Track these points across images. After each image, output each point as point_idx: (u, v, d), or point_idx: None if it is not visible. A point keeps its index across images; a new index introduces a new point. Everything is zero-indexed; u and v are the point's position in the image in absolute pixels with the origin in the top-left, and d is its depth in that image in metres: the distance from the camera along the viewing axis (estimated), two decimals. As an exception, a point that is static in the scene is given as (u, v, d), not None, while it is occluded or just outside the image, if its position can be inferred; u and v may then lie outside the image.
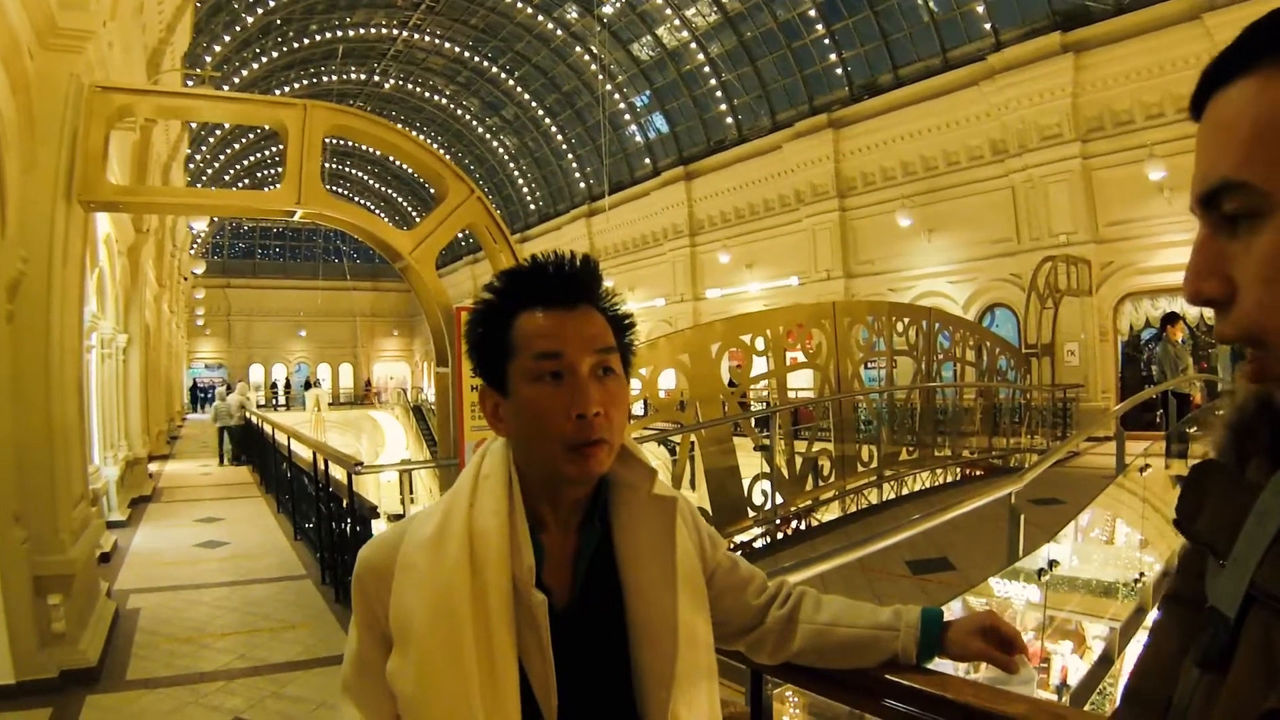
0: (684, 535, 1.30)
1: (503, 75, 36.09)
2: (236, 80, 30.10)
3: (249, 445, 18.85)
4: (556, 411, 1.17)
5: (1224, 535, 0.73)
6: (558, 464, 1.18)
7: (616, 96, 32.04)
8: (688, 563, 1.28)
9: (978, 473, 12.08)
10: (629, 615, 1.24)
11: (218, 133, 34.21)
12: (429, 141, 25.24)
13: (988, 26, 19.86)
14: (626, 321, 1.29)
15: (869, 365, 11.68)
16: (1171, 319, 11.98)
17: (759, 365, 9.22)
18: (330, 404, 40.08)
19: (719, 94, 28.05)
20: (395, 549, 1.20)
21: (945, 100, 20.55)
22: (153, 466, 16.13)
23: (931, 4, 20.91)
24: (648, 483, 1.28)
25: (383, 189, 51.78)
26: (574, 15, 30.68)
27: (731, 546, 7.81)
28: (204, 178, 36.18)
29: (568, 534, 1.26)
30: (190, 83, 17.61)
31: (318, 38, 33.45)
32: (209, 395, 38.43)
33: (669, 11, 27.62)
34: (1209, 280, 0.69)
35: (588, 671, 1.20)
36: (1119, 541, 9.40)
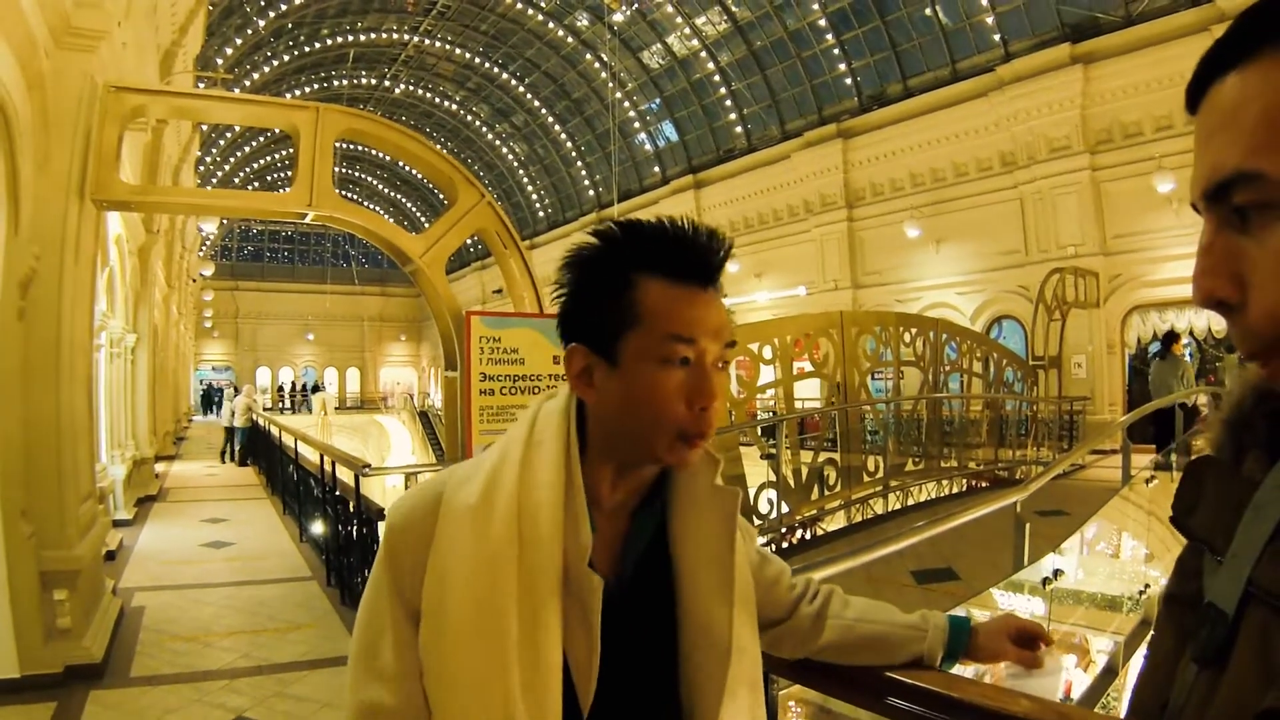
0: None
1: (513, 82, 36.16)
2: (248, 83, 30.21)
3: (256, 447, 18.92)
4: (678, 399, 1.11)
5: (1221, 531, 0.72)
6: (659, 448, 1.12)
7: (626, 104, 32.09)
8: (740, 558, 1.23)
9: (983, 484, 12.06)
10: (682, 605, 1.18)
11: (228, 135, 34.35)
12: (439, 147, 25.36)
13: (997, 38, 19.87)
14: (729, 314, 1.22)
15: (876, 375, 11.67)
16: (1173, 338, 12.08)
17: (766, 374, 9.21)
18: (336, 408, 40.10)
19: (728, 103, 28.07)
20: (432, 512, 1.12)
21: (954, 111, 20.57)
22: (159, 467, 16.18)
23: (941, 15, 20.92)
24: (711, 471, 1.23)
25: (391, 194, 51.90)
26: (584, 22, 30.75)
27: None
28: (214, 180, 36.27)
29: (621, 515, 1.20)
30: (202, 85, 17.69)
31: (329, 42, 33.53)
32: (220, 399, 38.64)
33: (679, 20, 27.67)
34: (1220, 280, 0.67)
35: (627, 660, 1.13)
36: (1124, 554, 9.37)
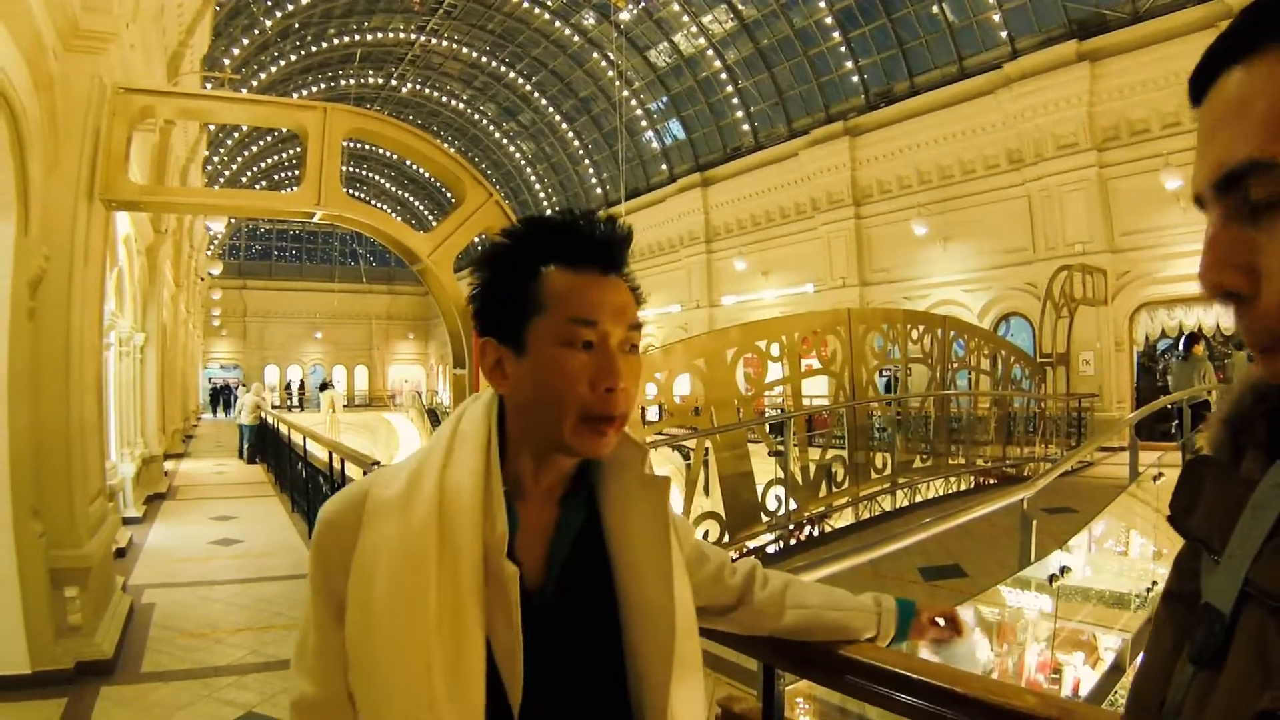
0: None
1: (519, 80, 36.24)
2: (255, 83, 30.30)
3: (264, 445, 18.94)
4: (581, 379, 1.12)
5: (1218, 531, 0.71)
6: (567, 433, 1.13)
7: (633, 103, 32.12)
8: (676, 546, 1.22)
9: (991, 481, 12.05)
10: (622, 597, 1.18)
11: (235, 135, 34.43)
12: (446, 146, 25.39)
13: (1004, 35, 19.87)
14: (640, 297, 1.24)
15: (884, 372, 11.66)
16: (1194, 339, 12.13)
17: (774, 371, 9.21)
18: (345, 406, 40.16)
19: (735, 101, 28.10)
20: (358, 507, 1.14)
21: (961, 109, 20.57)
22: (168, 465, 16.22)
23: (948, 12, 20.91)
24: (640, 461, 1.23)
25: (399, 192, 52.03)
26: (591, 21, 30.78)
27: (745, 551, 7.82)
28: (221, 179, 36.37)
29: (548, 506, 1.21)
30: (209, 85, 17.73)
31: (335, 41, 33.65)
32: (230, 397, 38.64)
33: (686, 18, 27.69)
34: (1228, 270, 0.66)
35: (560, 655, 1.14)
36: (1132, 551, 9.37)
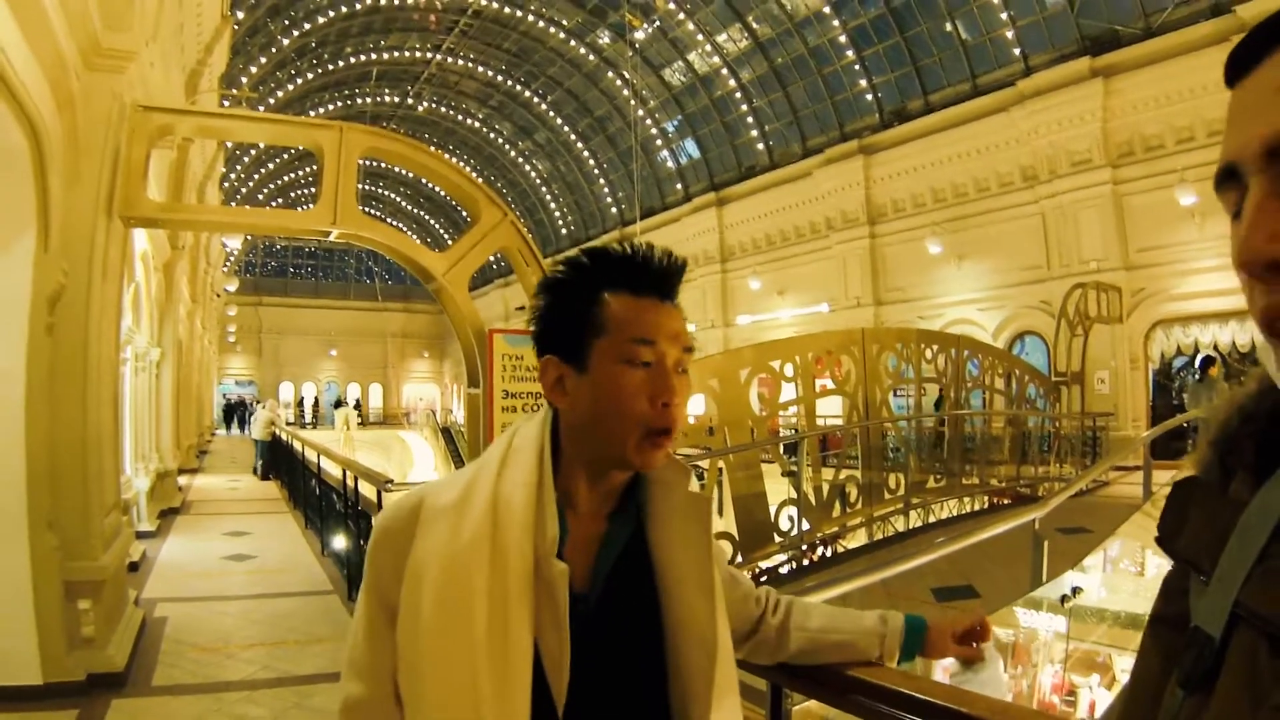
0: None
1: (535, 99, 36.40)
2: (272, 101, 30.53)
3: (278, 462, 18.97)
4: (641, 395, 1.19)
5: (1207, 553, 0.71)
6: (624, 447, 1.20)
7: (648, 122, 32.21)
8: (716, 568, 1.29)
9: (1005, 501, 11.97)
10: (666, 613, 1.22)
11: (252, 153, 34.68)
12: (462, 165, 25.47)
13: (1017, 52, 19.86)
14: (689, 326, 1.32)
15: (897, 392, 11.63)
16: (1210, 361, 12.06)
17: (788, 391, 9.20)
18: (359, 423, 40.19)
19: (750, 120, 28.14)
20: (414, 513, 1.20)
21: (975, 126, 20.55)
22: (182, 480, 16.28)
23: (961, 30, 20.93)
24: (684, 481, 1.29)
25: (415, 211, 52.22)
26: (606, 40, 30.93)
27: (758, 572, 7.80)
28: (238, 196, 36.63)
29: (596, 520, 1.26)
30: (226, 103, 17.87)
31: (352, 60, 33.91)
32: (245, 413, 38.68)
33: (700, 37, 27.80)
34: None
35: (603, 662, 1.17)
36: (1147, 571, 9.29)
